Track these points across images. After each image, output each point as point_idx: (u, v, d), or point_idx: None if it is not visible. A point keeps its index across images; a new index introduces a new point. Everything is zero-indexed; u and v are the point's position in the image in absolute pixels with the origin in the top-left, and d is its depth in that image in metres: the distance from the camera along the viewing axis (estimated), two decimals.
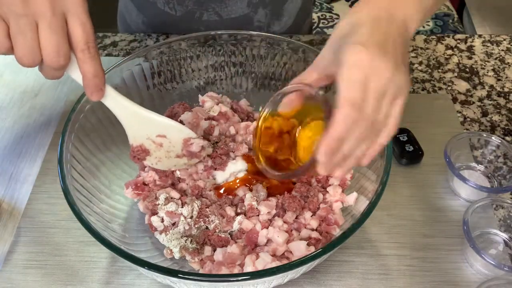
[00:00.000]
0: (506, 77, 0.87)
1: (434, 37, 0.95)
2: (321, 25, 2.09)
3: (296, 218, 0.60)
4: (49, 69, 0.47)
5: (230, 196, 0.63)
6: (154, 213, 0.62)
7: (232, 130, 0.68)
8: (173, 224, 0.61)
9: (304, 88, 0.51)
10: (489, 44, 0.93)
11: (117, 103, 0.56)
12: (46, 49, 0.45)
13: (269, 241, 0.58)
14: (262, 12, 0.92)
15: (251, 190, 0.63)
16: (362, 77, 0.43)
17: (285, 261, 0.56)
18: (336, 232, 0.59)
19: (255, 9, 0.91)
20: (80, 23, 0.46)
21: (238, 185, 0.64)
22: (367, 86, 0.44)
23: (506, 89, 0.85)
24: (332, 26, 2.09)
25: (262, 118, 0.55)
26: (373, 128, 0.46)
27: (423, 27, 1.60)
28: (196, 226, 0.60)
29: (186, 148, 0.62)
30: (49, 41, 0.45)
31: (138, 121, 0.58)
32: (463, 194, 0.69)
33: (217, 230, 0.60)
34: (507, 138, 0.77)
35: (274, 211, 0.60)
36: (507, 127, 0.79)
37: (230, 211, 0.60)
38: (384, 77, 0.44)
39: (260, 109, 0.55)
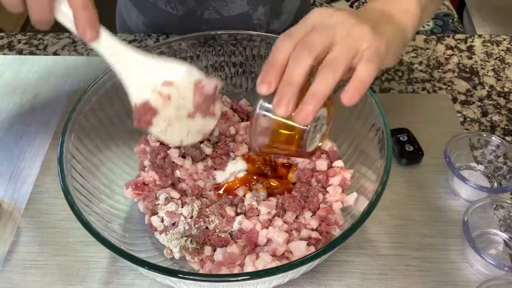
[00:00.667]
0: (506, 77, 0.87)
1: (434, 37, 0.95)
2: None
3: (296, 218, 0.60)
4: (31, 1, 0.45)
5: (230, 196, 0.63)
6: (154, 213, 0.62)
7: (232, 130, 0.68)
8: (173, 224, 0.61)
9: None
10: (489, 44, 0.93)
11: (113, 49, 0.49)
12: None
13: (269, 241, 0.58)
14: (261, 10, 0.92)
15: (251, 190, 0.63)
16: (306, 18, 0.48)
17: (285, 261, 0.56)
18: (336, 232, 0.59)
19: (255, 7, 0.91)
20: None
21: (238, 185, 0.64)
22: (314, 25, 0.47)
23: (506, 89, 0.85)
24: None
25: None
26: (330, 65, 0.46)
27: (423, 27, 1.60)
28: (196, 226, 0.60)
29: (198, 92, 0.53)
30: None
31: (140, 70, 0.50)
32: (463, 194, 0.69)
33: (217, 230, 0.60)
34: (507, 138, 0.77)
35: (274, 211, 0.60)
36: (507, 127, 0.79)
37: (230, 211, 0.60)
38: (332, 19, 0.47)
39: None
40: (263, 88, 0.47)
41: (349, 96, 0.47)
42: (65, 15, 0.46)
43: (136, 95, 0.51)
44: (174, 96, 0.52)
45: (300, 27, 0.48)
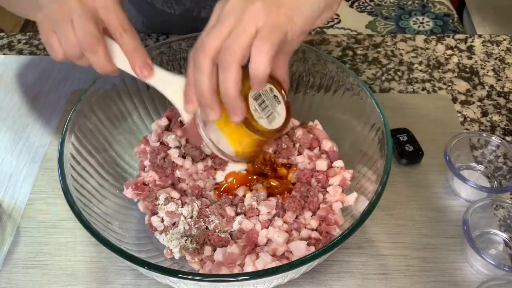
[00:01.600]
0: (506, 77, 0.87)
1: (434, 37, 0.95)
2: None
3: (296, 218, 0.60)
4: (88, 54, 0.50)
5: (230, 196, 0.63)
6: (154, 213, 0.62)
7: None
8: (173, 224, 0.61)
9: None
10: (489, 44, 0.93)
11: (165, 81, 0.55)
12: (77, 34, 0.49)
13: (269, 241, 0.58)
14: None
15: (251, 190, 0.63)
16: (214, 14, 0.49)
17: (285, 261, 0.56)
18: (336, 232, 0.59)
19: None
20: (113, 12, 0.50)
21: (237, 185, 0.64)
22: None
23: (506, 89, 0.85)
24: (332, 26, 2.09)
25: None
26: (233, 52, 0.46)
27: (423, 27, 1.60)
28: (196, 226, 0.60)
29: None
30: (78, 27, 0.49)
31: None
32: (463, 194, 0.69)
33: (217, 230, 0.60)
34: (507, 138, 0.77)
35: (274, 211, 0.60)
36: (507, 127, 0.79)
37: (230, 211, 0.60)
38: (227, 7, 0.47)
39: None
40: (189, 108, 0.51)
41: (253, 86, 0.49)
42: (122, 62, 0.52)
43: (186, 115, 0.56)
44: None
45: (205, 34, 0.48)
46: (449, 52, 0.92)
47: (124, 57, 0.52)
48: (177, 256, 0.58)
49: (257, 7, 0.46)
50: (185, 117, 0.57)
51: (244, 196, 0.62)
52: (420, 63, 0.90)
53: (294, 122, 0.70)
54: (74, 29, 0.49)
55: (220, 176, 0.66)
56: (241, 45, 0.46)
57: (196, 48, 0.48)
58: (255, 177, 0.65)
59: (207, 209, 0.61)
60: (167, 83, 0.55)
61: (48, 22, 0.50)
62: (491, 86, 0.85)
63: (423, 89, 0.85)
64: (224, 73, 0.47)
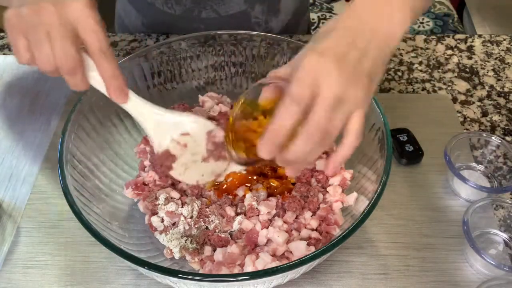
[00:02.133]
0: (506, 77, 0.87)
1: (434, 37, 0.95)
2: (321, 25, 2.09)
3: (296, 218, 0.60)
4: (65, 75, 0.50)
5: (230, 196, 0.63)
6: (154, 213, 0.62)
7: None
8: (173, 224, 0.61)
9: (279, 81, 0.51)
10: (489, 44, 0.93)
11: (140, 108, 0.56)
12: (56, 53, 0.48)
13: (269, 241, 0.58)
14: (259, 9, 0.92)
15: (251, 190, 0.63)
16: (310, 80, 0.44)
17: (285, 261, 0.56)
18: (336, 232, 0.59)
19: (252, 6, 0.91)
20: (92, 31, 0.49)
21: (237, 185, 0.64)
22: (316, 91, 0.44)
23: (506, 89, 0.85)
24: None
25: (239, 105, 0.55)
26: (326, 135, 0.46)
27: (423, 27, 1.60)
28: (196, 226, 0.60)
29: (211, 141, 0.60)
30: (58, 46, 0.48)
31: (161, 123, 0.57)
32: (463, 194, 0.69)
33: (217, 230, 0.60)
34: (507, 138, 0.77)
35: (274, 211, 0.60)
36: (507, 127, 0.79)
37: (230, 211, 0.60)
38: (334, 88, 0.44)
39: (238, 100, 0.55)
40: (264, 153, 0.47)
41: (330, 171, 0.51)
42: (98, 82, 0.52)
43: (158, 144, 0.58)
44: (190, 144, 0.59)
45: (300, 89, 0.44)
46: (449, 52, 0.92)
47: (100, 77, 0.52)
48: (177, 256, 0.58)
49: (361, 93, 0.46)
50: (157, 147, 0.58)
51: (244, 196, 0.62)
52: (420, 63, 0.90)
53: None
54: (52, 47, 0.48)
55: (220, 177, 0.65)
56: (337, 129, 0.46)
57: (308, 119, 0.45)
58: (255, 177, 0.65)
59: (207, 209, 0.61)
60: (141, 110, 0.56)
61: (20, 24, 0.48)
62: (491, 86, 0.85)
63: (423, 89, 0.85)
64: (301, 148, 0.46)
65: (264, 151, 0.46)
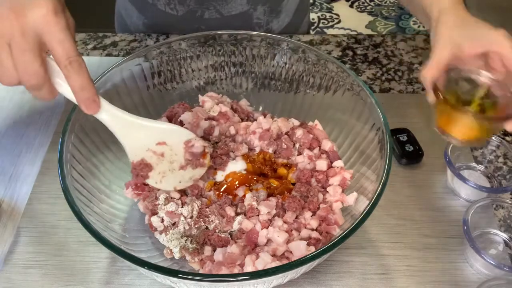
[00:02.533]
0: None
1: None
2: (321, 25, 2.09)
3: (296, 218, 0.60)
4: (31, 91, 0.47)
5: (230, 196, 0.63)
6: (154, 213, 0.62)
7: (232, 130, 0.68)
8: (173, 224, 0.61)
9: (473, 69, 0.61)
10: None
11: (113, 116, 0.54)
12: (18, 69, 0.45)
13: (269, 241, 0.58)
14: (261, 9, 0.92)
15: (251, 190, 0.63)
16: None
17: (285, 261, 0.56)
18: (336, 232, 0.59)
19: (255, 6, 0.91)
20: (57, 41, 0.46)
21: (238, 185, 0.64)
22: None
23: None
24: (332, 26, 2.09)
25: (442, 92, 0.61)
26: None
27: (423, 27, 1.61)
28: (196, 226, 0.60)
29: (189, 151, 0.60)
30: (19, 62, 0.45)
31: (136, 133, 0.56)
32: (463, 194, 0.69)
33: (217, 230, 0.60)
34: (507, 138, 0.77)
35: (274, 211, 0.60)
36: None
37: (230, 211, 0.60)
38: None
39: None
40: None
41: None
42: (67, 90, 0.49)
43: (133, 154, 0.57)
44: (167, 153, 0.58)
45: None
46: None
47: (68, 88, 0.49)
48: (177, 256, 0.58)
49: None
50: (132, 156, 0.57)
51: (244, 196, 0.62)
52: (420, 63, 0.90)
53: (294, 122, 0.71)
54: (14, 61, 0.44)
55: (220, 176, 0.65)
56: None
57: None
58: (255, 177, 0.65)
59: (207, 209, 0.61)
60: (114, 119, 0.54)
61: None
62: None
63: (423, 89, 0.85)
64: None
65: None
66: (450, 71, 0.61)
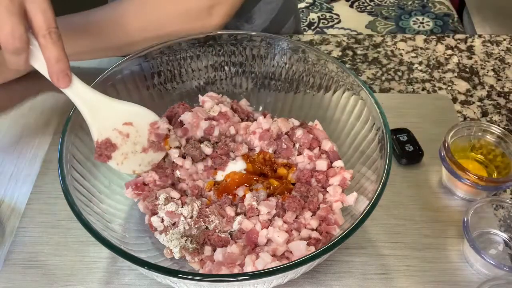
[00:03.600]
0: (506, 77, 0.87)
1: (434, 37, 0.95)
2: (321, 25, 2.09)
3: (296, 218, 0.60)
4: (8, 54, 0.48)
5: (230, 196, 0.63)
6: (154, 213, 0.62)
7: (232, 130, 0.68)
8: (173, 224, 0.61)
9: None
10: (489, 44, 0.94)
11: (82, 93, 0.54)
12: (2, 30, 0.46)
13: (269, 241, 0.58)
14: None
15: (251, 190, 0.63)
16: None
17: (285, 261, 0.56)
18: (336, 232, 0.59)
19: None
20: (40, 9, 0.47)
21: (237, 185, 0.64)
22: None
23: (506, 89, 0.85)
24: (332, 26, 2.09)
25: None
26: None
27: (423, 27, 1.60)
28: (196, 226, 0.60)
29: (154, 132, 0.61)
30: (4, 23, 0.45)
31: (104, 112, 0.56)
32: (459, 193, 0.69)
33: (217, 230, 0.60)
34: None
35: (274, 211, 0.60)
36: (507, 127, 0.79)
37: (230, 211, 0.60)
38: None
39: None
40: None
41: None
42: (41, 63, 0.50)
43: (98, 132, 0.58)
44: (132, 134, 0.59)
45: None
46: (449, 52, 0.92)
47: (41, 60, 0.50)
48: (177, 256, 0.58)
49: None
50: (96, 135, 0.57)
51: (244, 196, 0.62)
52: (420, 63, 0.90)
53: (294, 122, 0.70)
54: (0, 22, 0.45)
55: (220, 176, 0.66)
56: None
57: None
58: (255, 177, 0.65)
59: (207, 209, 0.61)
60: (82, 96, 0.55)
61: None
62: (491, 86, 0.85)
63: (423, 89, 0.85)
64: None
65: None
66: None
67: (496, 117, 0.80)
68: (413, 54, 0.92)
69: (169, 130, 0.63)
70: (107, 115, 0.57)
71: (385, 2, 2.23)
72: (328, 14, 2.15)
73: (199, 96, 0.73)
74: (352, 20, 2.12)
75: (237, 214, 0.61)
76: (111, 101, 0.57)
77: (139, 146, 0.61)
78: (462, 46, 0.93)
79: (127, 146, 0.60)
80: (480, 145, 0.70)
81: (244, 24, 0.94)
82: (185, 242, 0.59)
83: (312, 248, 0.56)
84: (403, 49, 0.93)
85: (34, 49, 0.49)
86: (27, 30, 0.47)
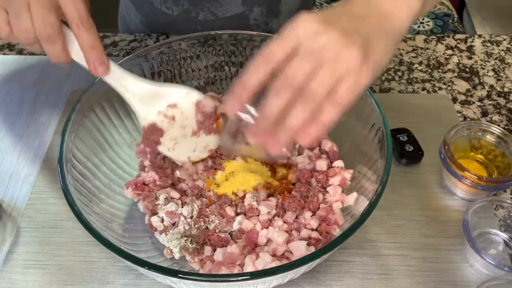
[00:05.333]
0: (506, 77, 0.87)
1: (434, 37, 0.95)
2: None
3: (296, 218, 0.60)
4: (44, 43, 0.49)
5: (230, 196, 0.63)
6: (154, 213, 0.62)
7: None
8: (173, 224, 0.61)
9: None
10: (489, 44, 0.93)
11: (122, 80, 0.54)
12: (35, 22, 0.48)
13: (269, 241, 0.58)
14: (257, 11, 0.92)
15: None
16: (290, 33, 0.43)
17: (285, 261, 0.56)
18: (336, 232, 0.59)
19: (250, 8, 0.91)
20: (71, 1, 0.49)
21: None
22: (297, 47, 0.43)
23: (506, 89, 0.85)
24: None
25: None
26: (307, 98, 0.43)
27: (423, 27, 1.60)
28: (196, 226, 0.60)
29: (201, 110, 0.58)
30: (37, 15, 0.48)
31: (146, 96, 0.56)
32: (459, 192, 0.68)
33: (217, 230, 0.60)
34: None
35: (274, 211, 0.60)
36: (507, 127, 0.78)
37: (230, 211, 0.60)
38: (320, 41, 0.42)
39: None
40: (229, 107, 0.46)
41: (305, 138, 0.46)
42: (79, 55, 0.51)
43: (144, 118, 0.56)
44: (178, 117, 0.57)
45: (280, 47, 0.44)
46: (449, 52, 0.92)
47: (79, 51, 0.51)
48: (177, 256, 0.58)
49: (355, 54, 0.42)
50: (142, 120, 0.56)
51: (244, 196, 0.62)
52: (420, 63, 0.90)
53: None
54: (32, 16, 0.48)
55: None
56: (327, 90, 0.42)
57: (281, 73, 0.44)
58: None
59: (207, 209, 0.61)
60: (123, 83, 0.54)
61: None
62: (491, 86, 0.85)
63: (423, 89, 0.85)
64: (297, 113, 0.43)
65: (230, 106, 0.46)
66: None
67: (496, 117, 0.80)
68: (413, 54, 0.92)
69: (216, 107, 0.59)
70: (150, 99, 0.56)
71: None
72: None
73: None
74: None
75: (237, 214, 0.61)
76: (152, 85, 0.56)
77: (188, 129, 0.58)
78: (462, 46, 0.93)
79: (174, 130, 0.57)
80: (480, 145, 0.70)
81: (273, 19, 0.94)
82: (185, 242, 0.59)
83: (312, 248, 0.56)
84: (403, 49, 0.93)
85: (71, 41, 0.51)
86: (58, 19, 0.48)
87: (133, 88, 0.55)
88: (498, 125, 0.78)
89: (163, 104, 0.57)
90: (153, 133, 0.57)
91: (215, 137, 0.60)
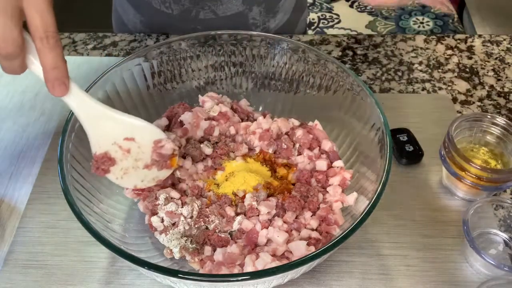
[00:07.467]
0: (506, 77, 0.87)
1: (434, 37, 0.95)
2: (321, 25, 2.09)
3: (296, 218, 0.60)
4: (3, 61, 0.45)
5: (230, 196, 0.63)
6: (154, 213, 0.62)
7: (232, 130, 0.68)
8: (173, 224, 0.61)
9: None
10: (489, 44, 0.94)
11: (81, 103, 0.51)
12: None
13: (269, 241, 0.58)
14: (256, 10, 0.92)
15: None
16: None
17: (285, 261, 0.56)
18: (336, 232, 0.59)
19: (250, 7, 0.91)
20: (37, 10, 0.44)
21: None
22: None
23: (506, 89, 0.85)
24: (332, 26, 2.09)
25: None
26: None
27: (423, 27, 1.60)
28: (196, 226, 0.60)
29: (157, 151, 0.57)
30: (0, 29, 0.43)
31: (104, 124, 0.53)
32: (459, 193, 0.69)
33: (217, 230, 0.60)
34: None
35: (274, 211, 0.60)
36: None
37: (230, 211, 0.60)
38: None
39: None
40: None
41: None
42: (38, 68, 0.47)
43: (97, 145, 0.55)
44: (134, 150, 0.56)
45: None
46: (449, 52, 0.92)
47: (38, 63, 0.47)
48: (177, 256, 0.58)
49: None
50: (95, 147, 0.54)
51: (244, 196, 0.62)
52: (420, 63, 0.90)
53: (294, 122, 0.71)
54: None
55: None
56: None
57: None
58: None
59: (207, 209, 0.61)
60: (82, 106, 0.52)
61: None
62: (491, 86, 0.85)
63: (423, 89, 0.85)
64: None
65: None
66: None
67: None
68: (413, 54, 0.92)
69: (174, 150, 0.59)
70: (107, 128, 0.54)
71: (385, 2, 2.23)
72: (328, 14, 2.15)
73: (199, 96, 0.73)
74: (352, 20, 2.13)
75: (237, 214, 0.61)
76: (113, 113, 0.53)
77: (141, 162, 0.57)
78: (462, 46, 0.93)
79: (127, 162, 0.56)
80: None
81: (270, 19, 0.95)
82: (185, 242, 0.59)
83: (312, 248, 0.56)
84: (403, 49, 0.93)
85: (32, 52, 0.47)
86: (21, 33, 0.44)
87: (91, 113, 0.52)
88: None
89: (120, 135, 0.55)
90: (104, 163, 0.55)
91: (167, 171, 0.59)
